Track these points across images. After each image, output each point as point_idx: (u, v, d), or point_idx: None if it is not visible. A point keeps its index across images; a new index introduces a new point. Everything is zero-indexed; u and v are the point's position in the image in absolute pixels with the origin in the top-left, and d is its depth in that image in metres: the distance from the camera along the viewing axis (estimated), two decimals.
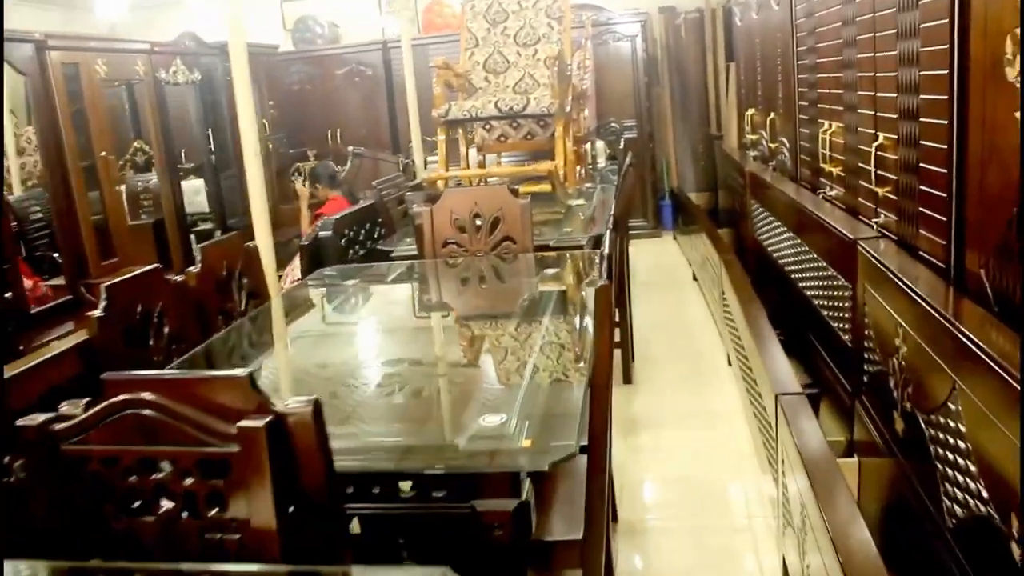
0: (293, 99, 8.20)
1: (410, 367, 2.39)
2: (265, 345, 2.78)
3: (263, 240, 3.84)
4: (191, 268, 2.98)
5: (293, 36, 8.27)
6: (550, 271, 3.33)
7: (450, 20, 7.85)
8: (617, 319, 4.60)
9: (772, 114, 4.55)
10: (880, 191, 2.80)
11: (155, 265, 2.80)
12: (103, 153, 5.45)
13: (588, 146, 6.74)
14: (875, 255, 2.59)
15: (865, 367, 2.74)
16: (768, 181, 4.28)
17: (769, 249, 4.39)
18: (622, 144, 6.86)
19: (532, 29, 5.00)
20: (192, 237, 6.74)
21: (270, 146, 7.39)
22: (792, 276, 3.88)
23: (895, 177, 2.68)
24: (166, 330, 2.72)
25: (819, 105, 3.57)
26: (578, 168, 5.29)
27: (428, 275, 3.65)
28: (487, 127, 5.57)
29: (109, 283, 2.60)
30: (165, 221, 6.10)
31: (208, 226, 6.75)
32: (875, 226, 2.87)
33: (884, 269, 2.49)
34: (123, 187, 6.56)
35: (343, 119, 8.16)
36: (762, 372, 3.14)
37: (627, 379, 4.63)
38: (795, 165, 4.12)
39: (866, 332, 2.68)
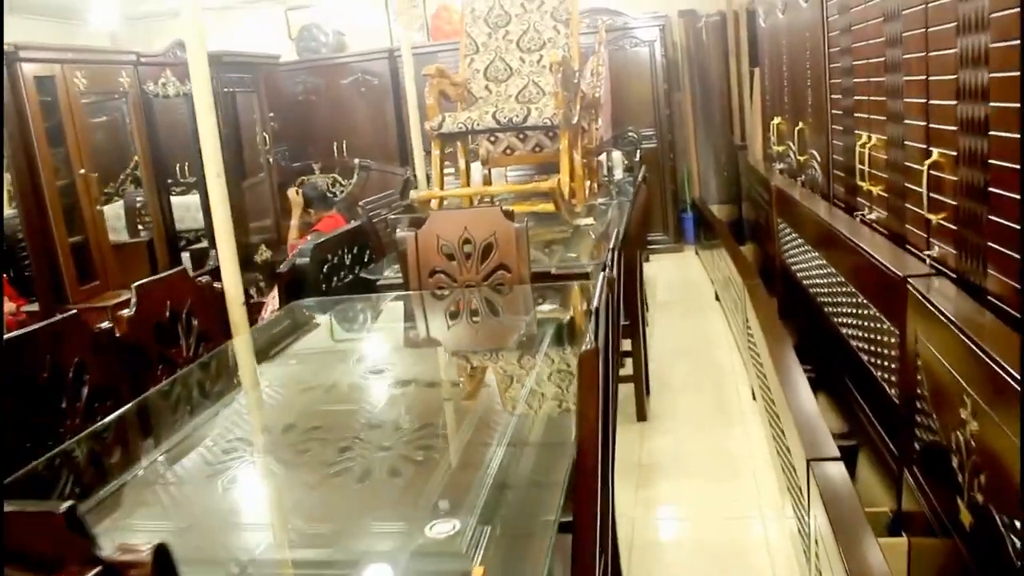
0: (298, 110, 7.79)
1: (363, 440, 1.92)
2: (202, 405, 2.32)
3: (228, 270, 3.40)
4: (123, 311, 2.54)
5: (297, 45, 7.85)
6: (546, 307, 2.85)
7: (460, 27, 7.40)
8: (630, 348, 4.13)
9: (800, 123, 4.05)
10: (934, 218, 2.31)
11: (72, 312, 2.36)
12: (82, 171, 5.04)
13: (604, 157, 6.27)
14: (930, 298, 2.10)
15: (917, 432, 2.24)
16: (796, 198, 3.78)
17: (798, 273, 3.89)
18: (638, 156, 6.38)
19: (537, 33, 4.54)
20: (187, 256, 6.34)
21: (270, 160, 6.97)
22: (824, 307, 3.38)
23: (953, 202, 2.18)
24: (85, 389, 2.28)
25: (856, 114, 3.07)
26: (588, 183, 4.81)
27: (409, 311, 3.19)
28: (492, 139, 5.12)
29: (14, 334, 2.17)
30: (154, 240, 5.68)
31: (203, 244, 6.33)
32: (927, 260, 2.37)
33: (943, 316, 1.99)
34: (113, 205, 6.20)
35: (349, 130, 7.73)
36: (791, 427, 2.65)
37: (641, 415, 4.14)
38: (827, 181, 3.61)
39: (919, 391, 2.19)
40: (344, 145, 7.72)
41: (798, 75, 4.03)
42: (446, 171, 5.68)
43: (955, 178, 2.16)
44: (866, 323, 2.69)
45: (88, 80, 5.14)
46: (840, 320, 3.09)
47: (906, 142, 2.51)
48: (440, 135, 4.05)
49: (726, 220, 7.30)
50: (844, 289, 2.96)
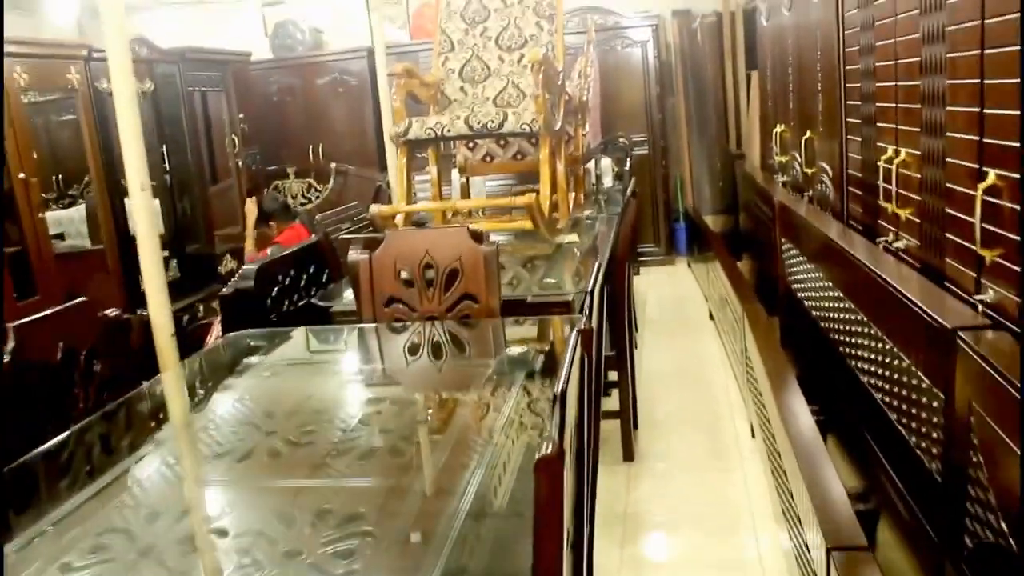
0: (271, 111, 7.29)
1: (271, 543, 1.44)
2: (99, 470, 1.83)
3: (155, 296, 2.92)
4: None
5: (272, 43, 7.36)
6: (514, 351, 2.37)
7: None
8: (616, 378, 3.66)
9: (808, 132, 3.57)
10: (988, 255, 1.84)
11: None
12: (21, 175, 4.55)
13: (592, 164, 5.80)
14: (992, 359, 1.62)
15: (969, 523, 1.77)
16: (804, 218, 3.31)
17: (804, 300, 3.42)
18: (628, 164, 5.91)
19: (518, 30, 4.06)
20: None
21: (239, 164, 6.47)
22: (837, 344, 2.91)
23: (1015, 236, 1.71)
24: None
25: (879, 124, 2.60)
26: (573, 194, 4.34)
27: (356, 349, 2.71)
28: (470, 146, 4.64)
29: None
30: (105, 249, 5.19)
31: (163, 253, 5.82)
32: (980, 306, 1.90)
33: (1011, 387, 1.52)
34: (76, 208, 5.71)
35: (326, 133, 7.24)
36: (799, 484, 2.18)
37: (628, 455, 3.68)
38: (841, 199, 3.15)
39: (974, 474, 1.72)
40: (320, 148, 7.23)
41: (806, 78, 3.57)
42: (422, 181, 5.21)
43: (1017, 207, 1.70)
44: (895, 375, 2.21)
45: (30, 76, 4.65)
46: (859, 364, 2.61)
47: (948, 159, 2.04)
48: (406, 142, 3.57)
49: (721, 231, 6.83)
50: (865, 330, 2.49)
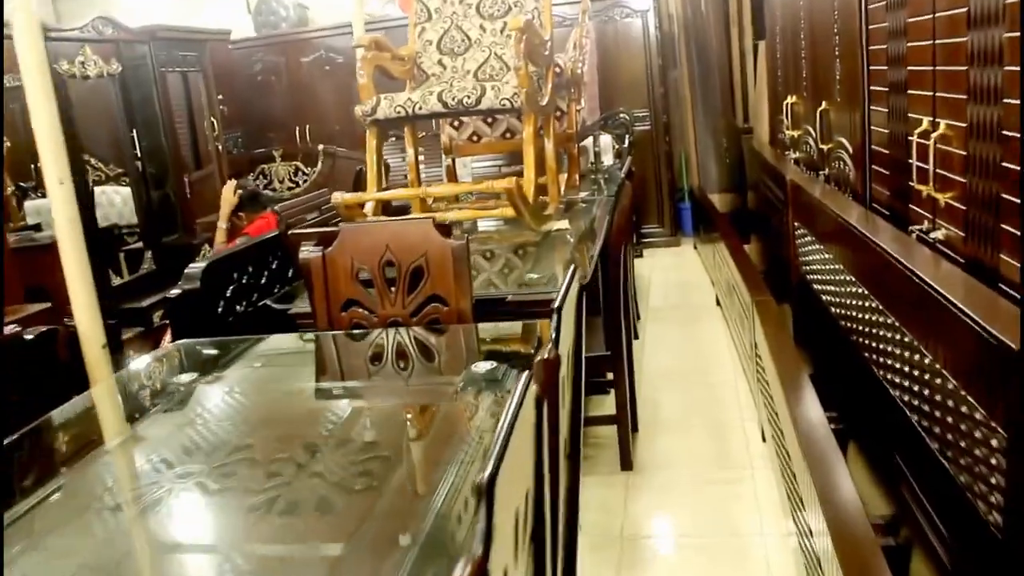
0: (255, 92, 6.88)
1: None
2: None
3: (83, 305, 2.54)
4: None
5: (255, 20, 6.93)
6: (482, 367, 1.96)
7: None
8: (613, 377, 3.27)
9: (824, 103, 3.15)
10: None
11: None
12: None
13: (590, 141, 5.37)
14: None
15: None
16: (819, 200, 2.89)
17: (822, 295, 3.01)
18: (627, 141, 5.48)
19: None
20: (120, 256, 5.46)
21: (220, 148, 6.07)
22: (862, 350, 2.50)
23: None
24: None
25: (912, 91, 2.18)
26: (566, 176, 3.93)
27: (301, 364, 2.32)
28: (455, 124, 4.24)
29: None
30: None
31: (136, 244, 5.45)
32: None
33: None
34: (41, 201, 5.34)
35: (312, 113, 6.82)
36: (819, 518, 1.79)
37: (626, 464, 3.29)
38: (863, 179, 2.73)
39: None
40: (308, 130, 6.81)
41: (821, 42, 3.14)
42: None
43: None
44: (935, 395, 1.81)
45: None
46: (887, 375, 2.21)
47: (1006, 131, 1.62)
48: (375, 122, 3.16)
49: (728, 210, 6.40)
50: (895, 336, 2.09)
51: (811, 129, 3.40)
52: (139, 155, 5.31)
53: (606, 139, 5.75)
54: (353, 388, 2.10)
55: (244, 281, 3.07)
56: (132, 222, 5.51)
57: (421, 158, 6.00)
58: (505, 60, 3.58)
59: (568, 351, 1.71)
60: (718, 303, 5.07)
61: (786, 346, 2.97)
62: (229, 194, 4.24)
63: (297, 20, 6.87)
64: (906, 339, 2.01)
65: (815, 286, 3.08)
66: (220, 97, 6.12)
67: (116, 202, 5.50)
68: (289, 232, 2.54)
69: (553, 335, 1.37)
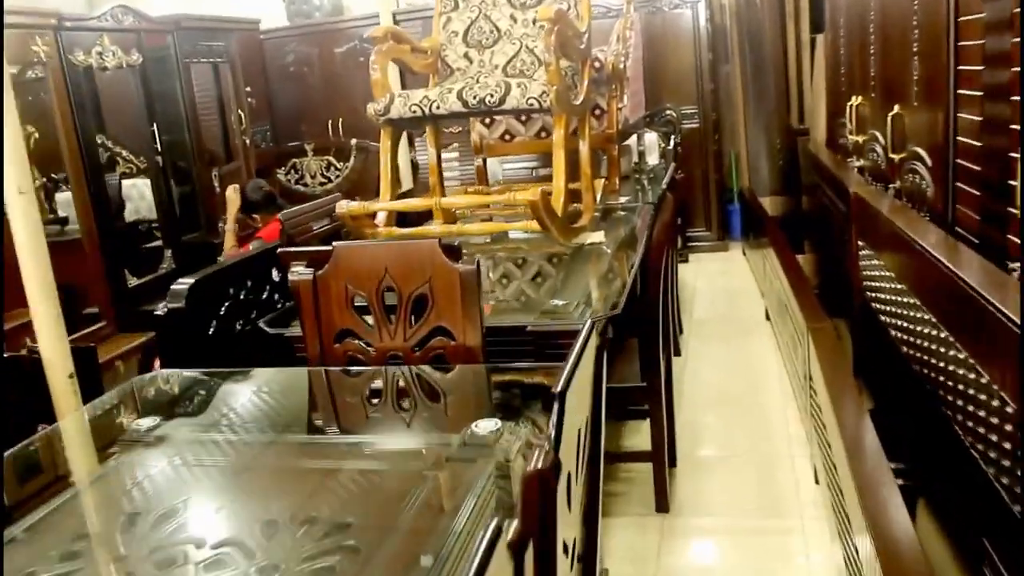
0: (287, 83, 6.57)
1: None
2: None
3: (47, 329, 2.23)
4: None
5: (288, 9, 6.61)
6: (484, 427, 1.61)
7: None
8: (649, 409, 2.90)
9: (896, 107, 2.73)
10: None
11: None
12: None
13: (633, 140, 4.97)
14: None
15: None
16: (890, 220, 2.48)
17: (890, 329, 2.61)
18: (672, 142, 5.08)
19: None
20: (142, 254, 5.19)
21: (247, 142, 5.78)
22: (942, 405, 2.10)
23: None
24: None
25: (1015, 97, 1.77)
26: (604, 180, 3.55)
27: (282, 405, 1.97)
28: (487, 122, 3.89)
29: None
30: (82, 238, 4.54)
31: (155, 243, 5.18)
32: None
33: None
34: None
35: (346, 106, 6.49)
36: None
37: (661, 505, 2.92)
38: (944, 198, 2.32)
39: None
40: (340, 123, 6.50)
41: (895, 37, 2.72)
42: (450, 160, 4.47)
43: None
44: None
45: None
46: (975, 441, 1.81)
47: None
48: (388, 121, 2.82)
49: (780, 214, 5.96)
50: (983, 388, 1.69)
51: (880, 135, 2.98)
52: (160, 149, 5.03)
53: (651, 137, 5.35)
54: (330, 446, 1.76)
55: (242, 297, 2.76)
56: (149, 217, 5.25)
57: (454, 155, 5.66)
58: (537, 54, 3.21)
59: (583, 424, 1.35)
60: (767, 317, 4.66)
61: (846, 385, 2.58)
62: (233, 195, 3.93)
63: (331, 9, 6.55)
64: (994, 393, 1.62)
65: (882, 317, 2.67)
66: (248, 89, 5.83)
67: (147, 196, 5.23)
68: (279, 250, 2.20)
69: (552, 432, 1.01)
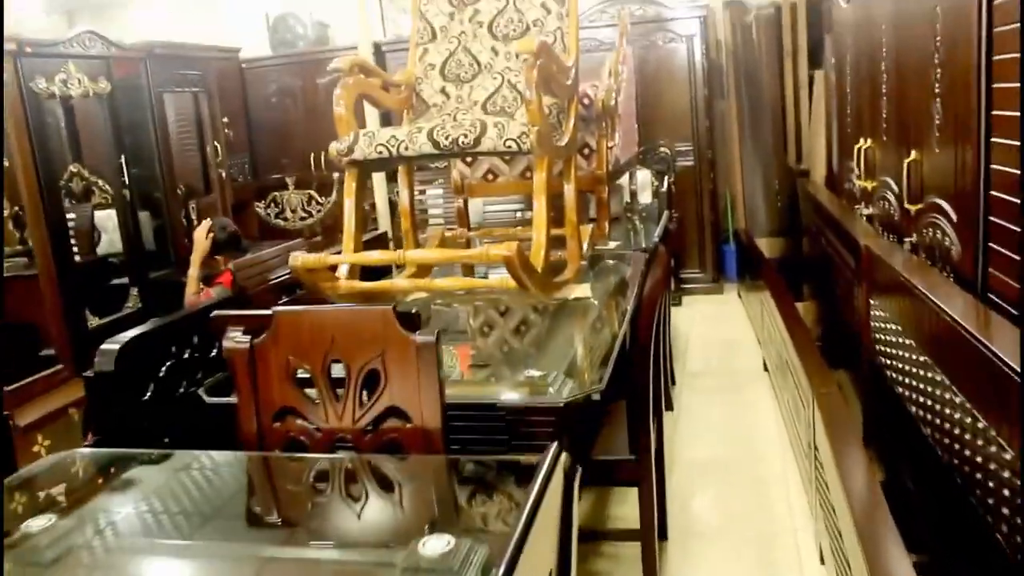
0: (269, 114, 6.30)
1: None
2: None
3: None
4: None
5: (272, 39, 6.36)
6: (433, 547, 1.30)
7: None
8: (638, 486, 2.58)
9: (913, 152, 2.44)
10: None
11: None
12: None
13: (625, 179, 4.70)
14: None
15: None
16: (908, 281, 2.19)
17: (909, 404, 2.31)
18: (666, 183, 4.80)
19: (518, 13, 2.99)
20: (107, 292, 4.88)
21: (223, 175, 5.50)
22: (965, 483, 1.80)
23: None
24: None
25: None
26: (590, 227, 3.25)
27: (201, 499, 1.65)
28: (468, 160, 3.60)
29: None
30: (39, 276, 4.23)
31: (122, 279, 4.86)
32: None
33: None
34: None
35: (329, 138, 6.01)
36: None
37: None
38: (973, 259, 2.03)
39: None
40: (323, 157, 6.21)
41: (912, 75, 2.44)
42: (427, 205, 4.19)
43: None
44: None
45: None
46: (1015, 536, 1.51)
47: None
48: (353, 162, 2.53)
49: (778, 256, 5.68)
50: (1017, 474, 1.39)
51: (892, 183, 2.69)
52: (127, 182, 4.74)
53: (644, 175, 5.09)
54: (244, 560, 1.44)
55: (187, 356, 2.45)
56: (114, 249, 4.93)
57: (439, 192, 5.36)
58: (519, 89, 2.92)
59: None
60: (765, 368, 4.36)
61: (856, 460, 2.28)
62: (201, 237, 3.62)
63: (316, 39, 6.30)
64: None
65: (898, 388, 2.37)
66: (226, 120, 5.55)
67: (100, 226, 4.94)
68: (212, 313, 1.90)
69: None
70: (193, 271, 3.54)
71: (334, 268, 2.45)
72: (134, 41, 4.90)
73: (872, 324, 2.61)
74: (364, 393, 1.78)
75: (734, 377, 4.38)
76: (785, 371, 3.46)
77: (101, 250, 4.95)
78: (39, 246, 4.20)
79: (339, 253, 2.50)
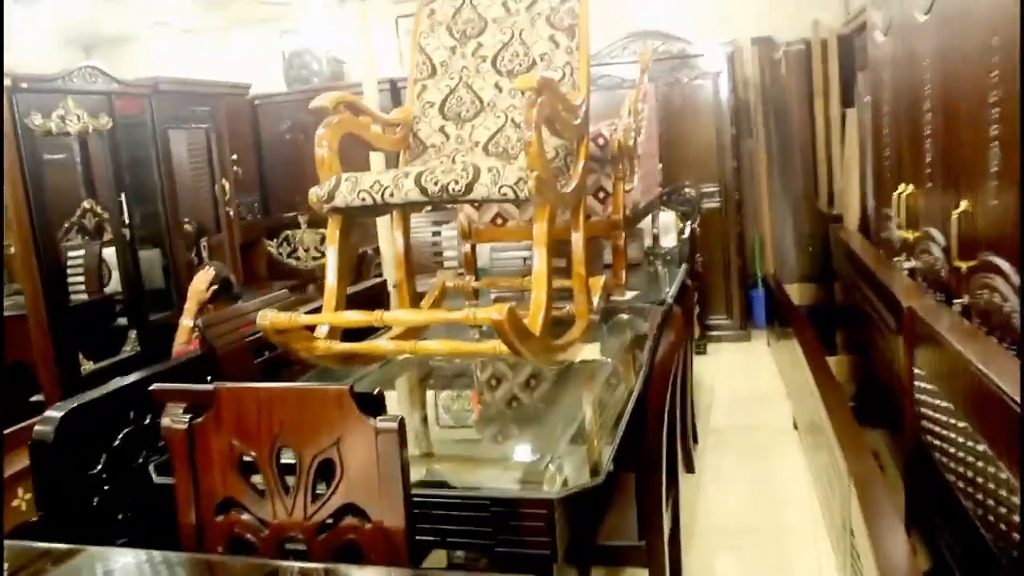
0: (282, 151, 6.11)
1: None
2: None
3: None
4: None
5: (287, 75, 6.18)
6: None
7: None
8: (648, 570, 2.27)
9: (964, 202, 2.14)
10: None
11: None
12: None
13: (647, 222, 4.42)
14: None
15: None
16: (961, 352, 1.88)
17: (963, 498, 1.99)
18: (689, 229, 4.52)
19: (524, 47, 2.73)
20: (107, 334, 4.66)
21: (230, 213, 5.29)
22: None
23: None
24: None
25: None
26: (602, 278, 2.95)
27: None
28: (477, 205, 3.35)
29: None
30: (28, 317, 4.02)
31: (121, 320, 4.64)
32: None
33: None
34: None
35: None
36: None
37: None
38: None
39: None
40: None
41: (964, 114, 2.15)
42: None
43: None
44: None
45: None
46: None
47: None
48: (335, 209, 2.27)
49: (808, 303, 5.34)
50: None
51: (939, 235, 2.39)
52: (127, 220, 4.53)
53: (667, 217, 4.79)
54: None
55: (148, 422, 2.19)
56: (114, 289, 4.73)
57: (453, 234, 5.09)
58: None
59: None
60: (795, 426, 4.03)
61: (897, 547, 1.96)
62: (200, 285, 3.38)
63: (331, 75, 6.10)
64: None
65: (949, 474, 2.05)
66: (235, 157, 5.35)
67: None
68: (152, 387, 1.64)
69: None
70: (186, 320, 3.29)
71: (312, 328, 2.18)
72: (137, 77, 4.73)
73: (916, 396, 2.30)
74: (319, 485, 1.50)
75: (761, 435, 4.04)
76: (817, 435, 3.13)
77: (111, 288, 4.77)
78: (29, 287, 4.00)
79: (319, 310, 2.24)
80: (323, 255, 6.04)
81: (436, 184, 2.11)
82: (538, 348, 2.04)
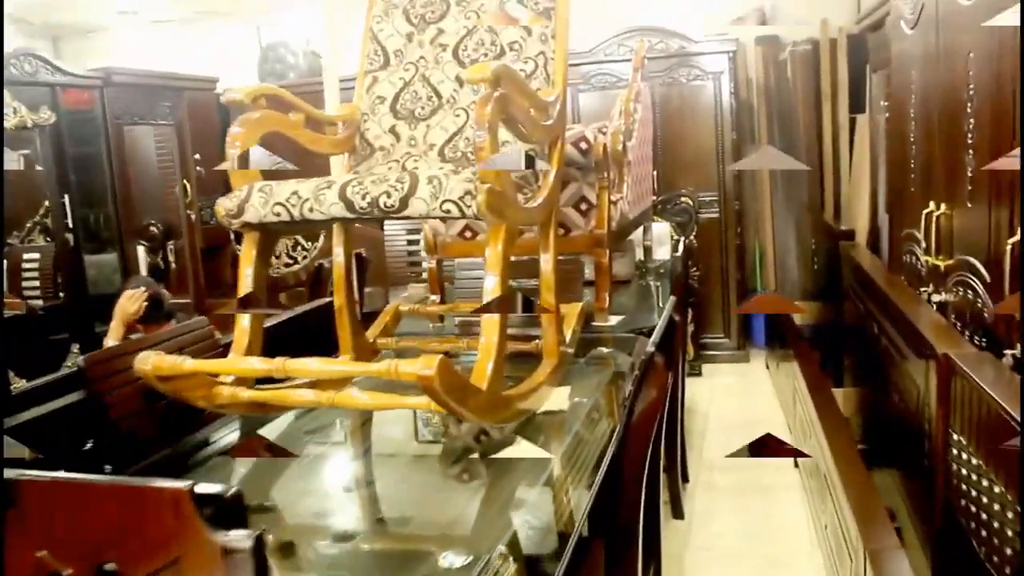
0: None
1: None
2: None
3: None
4: None
5: (261, 68, 5.75)
6: None
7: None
8: None
9: (1020, 233, 1.72)
10: None
11: None
12: None
13: (639, 232, 3.99)
14: None
15: None
16: (1015, 419, 1.45)
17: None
18: (682, 246, 4.09)
19: (492, 34, 2.31)
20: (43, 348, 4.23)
21: (192, 217, 4.86)
22: None
23: None
24: None
25: None
26: (580, 306, 2.52)
27: None
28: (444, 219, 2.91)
29: None
30: None
31: (61, 333, 4.22)
32: None
33: None
34: None
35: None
36: None
37: None
38: None
39: None
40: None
41: (1011, 121, 1.72)
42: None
43: None
44: None
45: None
46: None
47: None
48: (247, 225, 1.84)
49: (812, 322, 4.91)
50: None
51: (980, 267, 1.96)
52: (71, 224, 4.11)
53: (662, 228, 4.36)
54: None
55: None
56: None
57: (418, 247, 4.65)
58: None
59: None
60: (796, 463, 3.60)
61: None
62: (127, 304, 2.97)
63: (307, 70, 5.67)
64: None
65: (982, 548, 1.62)
66: (197, 157, 4.92)
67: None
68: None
69: None
70: (111, 342, 2.88)
71: (215, 376, 1.75)
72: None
73: (950, 455, 1.87)
74: None
75: (759, 474, 3.60)
76: (823, 488, 2.70)
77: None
78: None
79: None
80: (296, 261, 5.65)
81: (364, 198, 1.69)
82: (485, 406, 1.61)
